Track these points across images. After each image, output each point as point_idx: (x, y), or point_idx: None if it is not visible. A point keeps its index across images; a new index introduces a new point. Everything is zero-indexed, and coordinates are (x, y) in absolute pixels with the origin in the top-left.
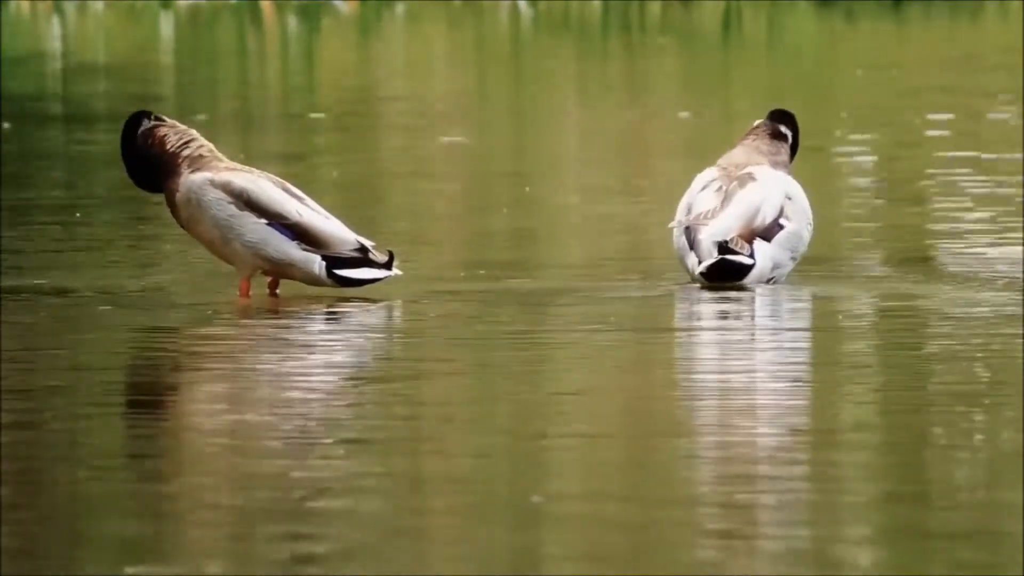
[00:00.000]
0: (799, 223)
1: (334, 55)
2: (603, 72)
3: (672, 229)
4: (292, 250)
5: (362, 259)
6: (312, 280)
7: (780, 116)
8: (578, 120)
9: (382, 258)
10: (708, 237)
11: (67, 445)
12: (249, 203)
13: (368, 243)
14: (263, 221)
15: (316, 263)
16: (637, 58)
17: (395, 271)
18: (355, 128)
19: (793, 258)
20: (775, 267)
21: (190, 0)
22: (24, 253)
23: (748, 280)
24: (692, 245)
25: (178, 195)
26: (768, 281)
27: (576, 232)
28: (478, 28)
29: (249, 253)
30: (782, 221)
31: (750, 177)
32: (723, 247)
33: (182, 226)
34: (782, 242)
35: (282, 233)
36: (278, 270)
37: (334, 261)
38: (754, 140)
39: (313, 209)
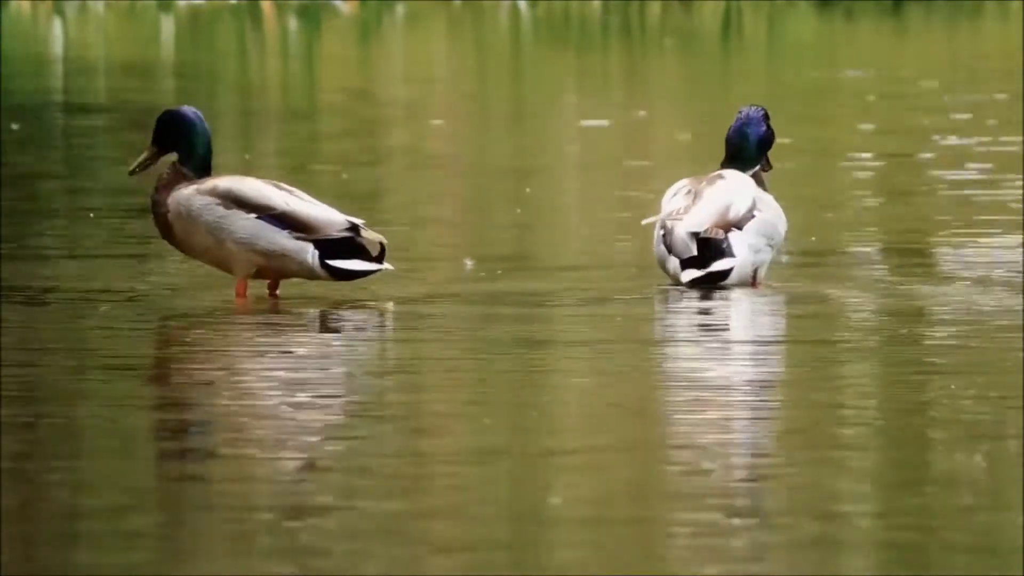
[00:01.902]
0: (772, 214)
1: (334, 56)
2: (603, 72)
3: (652, 228)
4: (284, 240)
5: (354, 247)
6: (307, 271)
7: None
8: (578, 120)
9: (375, 237)
10: (683, 229)
11: (67, 445)
12: (236, 201)
13: (359, 221)
14: (252, 216)
15: (309, 252)
16: (637, 58)
17: (386, 265)
18: (355, 129)
19: (770, 245)
20: (756, 252)
21: (190, 1)
22: (25, 253)
23: (732, 277)
24: (670, 249)
25: (169, 214)
26: (753, 276)
27: (576, 232)
28: (478, 29)
29: (243, 250)
30: (755, 212)
31: (719, 176)
32: (700, 240)
33: (178, 246)
34: (757, 227)
35: (272, 224)
36: (273, 265)
37: (327, 250)
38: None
39: (301, 199)
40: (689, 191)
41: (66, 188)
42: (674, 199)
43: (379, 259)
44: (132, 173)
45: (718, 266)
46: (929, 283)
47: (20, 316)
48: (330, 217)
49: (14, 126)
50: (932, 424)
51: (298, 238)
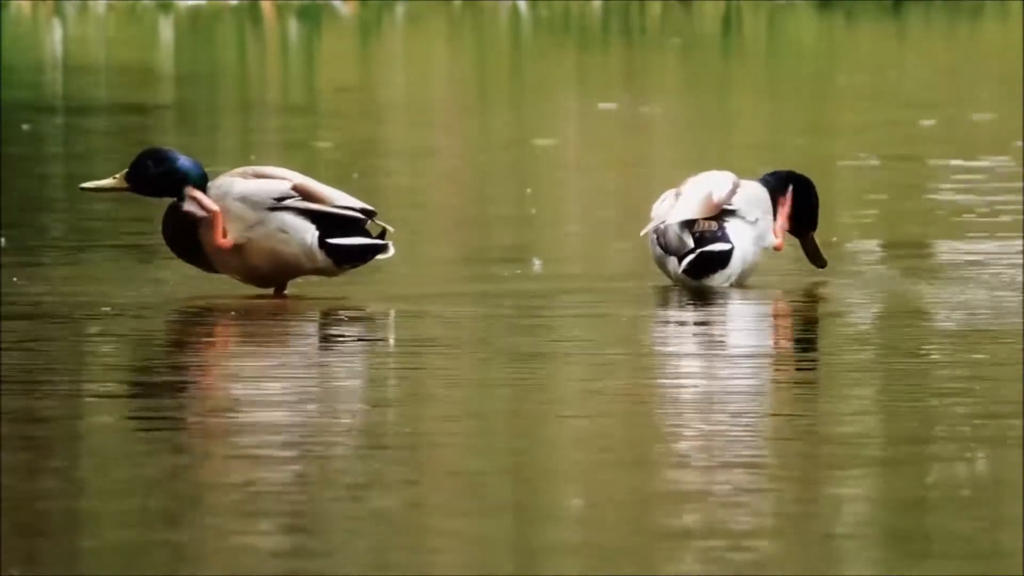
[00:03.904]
0: (757, 188)
1: (334, 56)
2: (603, 72)
3: (647, 237)
4: (281, 187)
5: (358, 228)
6: (305, 253)
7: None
8: (579, 119)
9: (387, 227)
10: (672, 221)
11: (68, 446)
12: (255, 174)
13: (371, 208)
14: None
15: (309, 232)
16: (637, 58)
17: (389, 245)
18: (355, 129)
19: (767, 212)
20: (755, 228)
21: (191, 2)
22: (26, 255)
23: (735, 263)
24: (666, 248)
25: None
26: (754, 259)
27: (576, 232)
28: (478, 29)
29: (238, 206)
30: (738, 190)
31: (694, 175)
32: (694, 233)
33: (225, 259)
34: (746, 198)
35: (279, 184)
36: (268, 244)
37: (329, 228)
38: None
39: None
40: (676, 193)
41: (66, 188)
42: (662, 205)
43: (380, 237)
44: (83, 189)
45: (714, 247)
46: (929, 283)
47: (20, 317)
48: (343, 198)
49: (24, 126)
50: (931, 427)
51: (301, 217)
